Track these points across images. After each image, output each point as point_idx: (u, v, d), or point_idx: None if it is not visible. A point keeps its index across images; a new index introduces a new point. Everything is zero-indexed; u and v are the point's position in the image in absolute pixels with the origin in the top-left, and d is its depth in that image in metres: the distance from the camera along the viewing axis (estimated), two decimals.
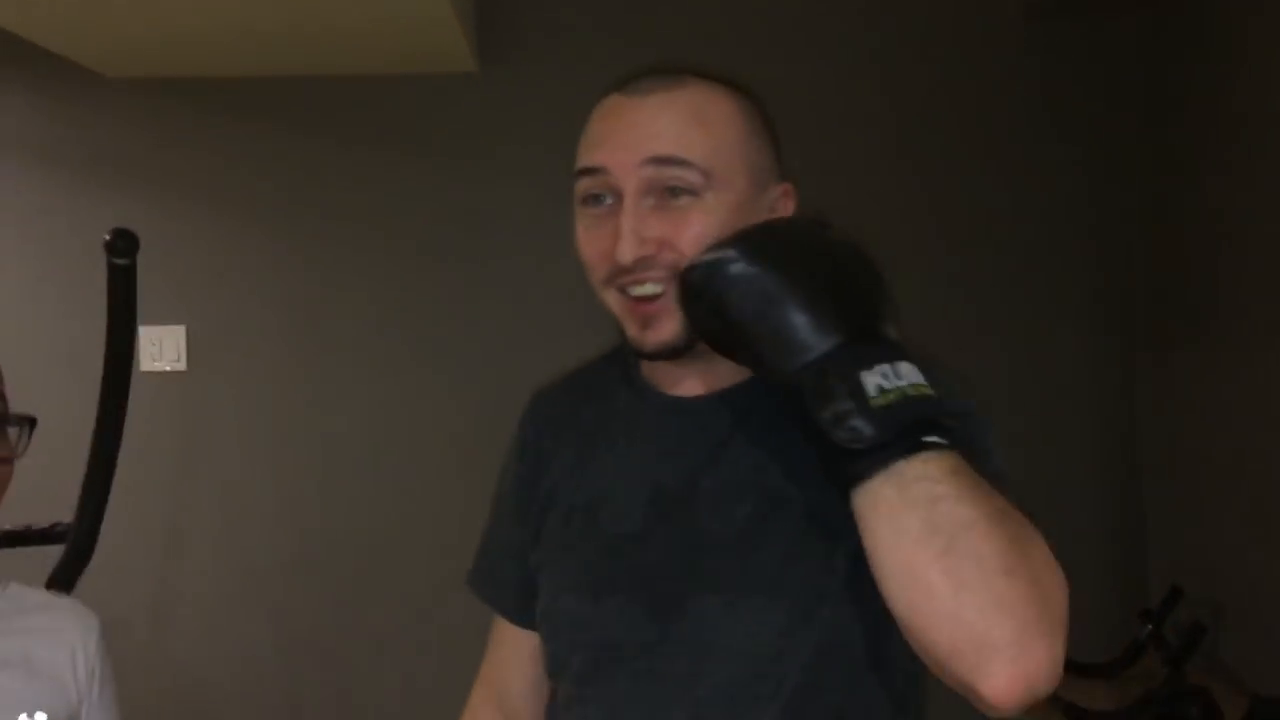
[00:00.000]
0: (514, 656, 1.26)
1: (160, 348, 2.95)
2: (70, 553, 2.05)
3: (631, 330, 1.07)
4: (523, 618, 1.23)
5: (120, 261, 1.93)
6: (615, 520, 1.11)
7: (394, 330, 3.01)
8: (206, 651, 3.00)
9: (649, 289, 1.04)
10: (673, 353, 1.06)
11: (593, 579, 1.10)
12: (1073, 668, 2.62)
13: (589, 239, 1.07)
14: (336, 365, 3.01)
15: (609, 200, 1.05)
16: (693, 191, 1.02)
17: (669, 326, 1.04)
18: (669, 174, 1.02)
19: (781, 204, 1.11)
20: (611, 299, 1.08)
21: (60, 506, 2.16)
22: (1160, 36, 2.88)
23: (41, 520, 2.15)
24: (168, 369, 2.97)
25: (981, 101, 2.98)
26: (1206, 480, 2.68)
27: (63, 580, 2.06)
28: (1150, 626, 2.57)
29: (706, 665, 1.03)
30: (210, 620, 3.00)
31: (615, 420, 1.17)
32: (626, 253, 1.01)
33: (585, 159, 1.07)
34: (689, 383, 1.13)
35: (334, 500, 3.01)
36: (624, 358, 1.19)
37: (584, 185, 1.07)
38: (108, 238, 1.94)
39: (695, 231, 1.02)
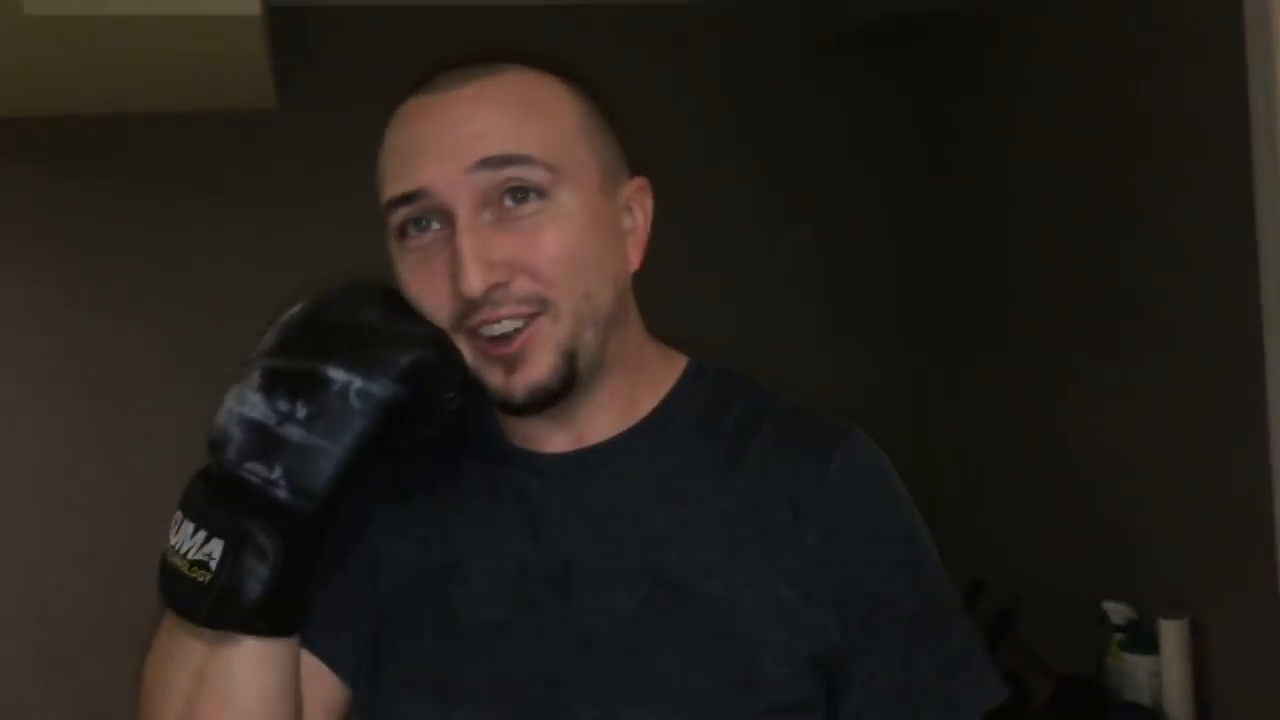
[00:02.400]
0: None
1: None
2: None
3: (494, 380, 0.85)
4: (316, 642, 0.92)
5: None
6: (473, 604, 0.89)
7: (189, 376, 2.86)
8: None
9: (506, 326, 0.83)
10: (549, 398, 0.85)
11: (444, 678, 0.88)
12: None
13: (419, 279, 0.85)
14: (120, 432, 2.84)
15: (435, 225, 0.84)
16: (540, 192, 0.83)
17: (541, 364, 0.84)
18: (507, 176, 0.82)
19: (639, 200, 0.93)
20: (466, 348, 0.85)
21: None
22: (932, 63, 3.13)
23: None
24: None
25: (772, 128, 3.14)
26: (997, 476, 2.90)
27: None
28: None
29: None
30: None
31: (471, 476, 0.94)
32: (473, 283, 0.80)
33: (396, 184, 0.84)
34: (556, 436, 0.92)
35: (139, 563, 2.84)
36: (479, 410, 0.96)
37: (399, 217, 0.85)
38: None
39: (552, 248, 0.83)
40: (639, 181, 0.93)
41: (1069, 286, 2.50)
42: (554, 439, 0.91)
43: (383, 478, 0.94)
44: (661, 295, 3.19)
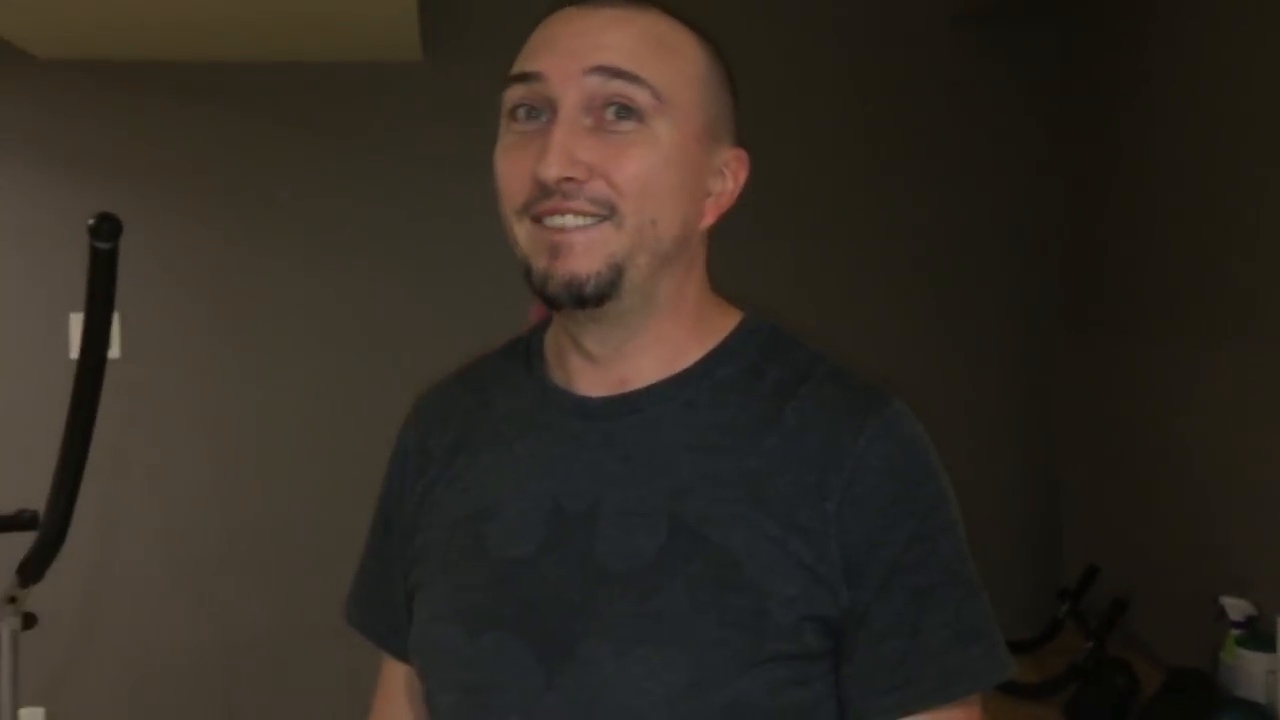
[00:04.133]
0: (402, 693, 1.09)
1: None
2: (41, 541, 2.03)
3: (539, 263, 0.89)
4: (405, 650, 1.04)
5: (104, 245, 1.91)
6: (504, 540, 0.94)
7: (334, 319, 3.00)
8: (141, 643, 2.95)
9: (569, 220, 0.87)
10: (580, 297, 0.88)
11: (472, 608, 0.93)
12: None
13: (509, 159, 0.90)
14: (273, 354, 2.99)
15: (542, 116, 0.89)
16: (640, 116, 0.87)
17: (585, 261, 0.87)
18: (616, 88, 0.87)
19: (733, 169, 0.96)
20: (522, 232, 0.90)
21: (26, 493, 2.12)
22: (1074, 40, 3.07)
23: (7, 508, 2.11)
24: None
25: (907, 104, 3.12)
26: (1120, 462, 2.87)
27: (33, 569, 2.03)
28: (1068, 604, 2.75)
29: None
30: (145, 612, 2.95)
31: (514, 419, 1.00)
32: (550, 167, 0.85)
33: (519, 64, 0.90)
34: (601, 380, 0.95)
35: (270, 491, 2.99)
36: (527, 348, 1.04)
37: (514, 95, 0.90)
38: (92, 221, 1.92)
39: (634, 165, 0.87)
40: (738, 151, 0.96)
41: (1203, 278, 2.45)
42: (600, 381, 0.95)
43: (439, 445, 1.03)
44: (783, 273, 3.24)
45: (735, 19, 3.03)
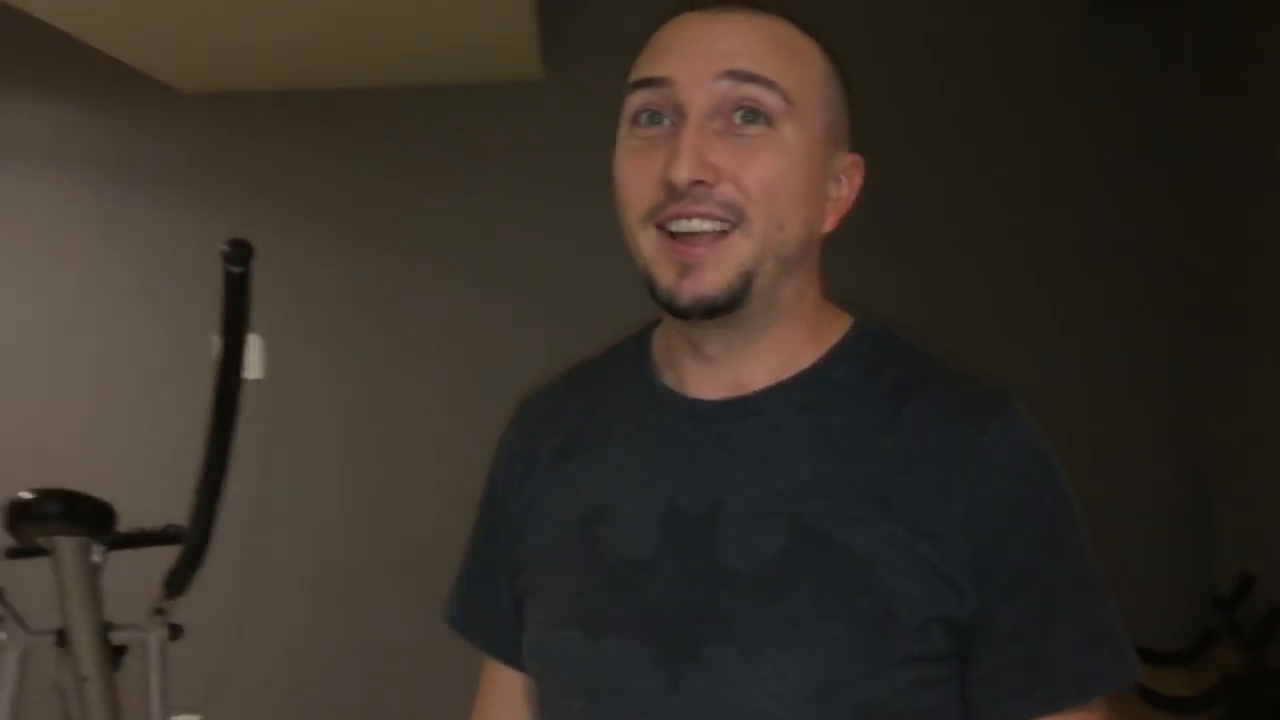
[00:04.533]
0: (505, 696, 1.09)
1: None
2: (185, 554, 2.11)
3: (665, 279, 0.88)
4: (508, 652, 1.05)
5: (236, 270, 1.99)
6: (620, 542, 0.93)
7: (469, 336, 3.06)
8: (288, 650, 3.06)
9: (697, 225, 0.86)
10: (711, 310, 0.87)
11: (592, 612, 0.92)
12: (1149, 657, 2.69)
13: (635, 165, 0.89)
14: (410, 369, 3.07)
15: (668, 121, 0.88)
16: (768, 120, 0.86)
17: (714, 277, 0.86)
18: (747, 92, 0.86)
19: (850, 175, 0.95)
20: (647, 241, 0.89)
21: (170, 509, 2.22)
22: (1218, 26, 2.94)
23: (155, 523, 2.20)
24: (246, 378, 3.02)
25: (1041, 96, 3.03)
26: (1274, 472, 2.73)
27: (178, 581, 2.12)
28: (1223, 614, 2.63)
29: None
30: (291, 621, 3.06)
31: (622, 421, 0.99)
32: (683, 171, 0.83)
33: (644, 69, 0.89)
34: (716, 382, 0.95)
35: (409, 500, 3.06)
36: (636, 350, 1.02)
37: (639, 99, 0.89)
38: (225, 247, 2.00)
39: (764, 168, 0.86)
40: (855, 157, 0.95)
41: None
42: (715, 383, 0.94)
43: (546, 448, 1.02)
44: (917, 266, 3.19)
45: (860, 11, 3.00)
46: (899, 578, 0.85)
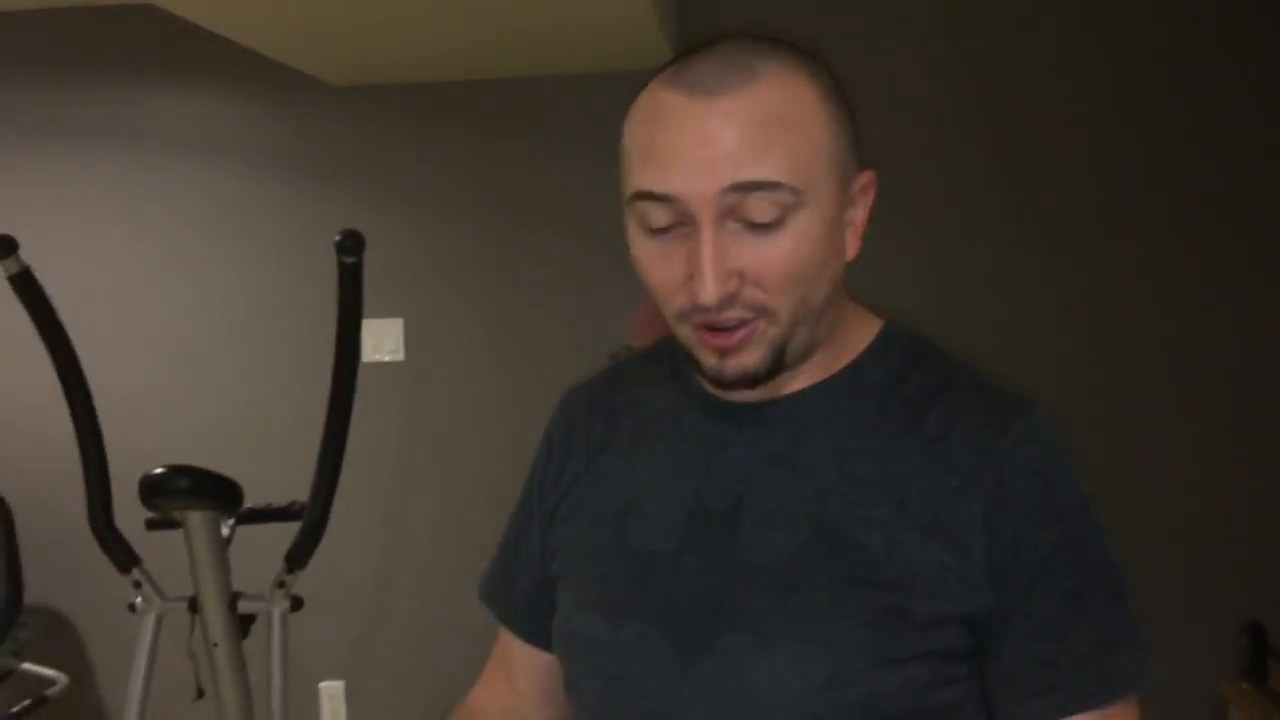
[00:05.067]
0: (514, 670, 1.16)
1: (380, 340, 3.13)
2: (305, 530, 2.22)
3: (707, 361, 0.92)
4: (529, 632, 1.12)
5: (349, 259, 2.07)
6: (646, 535, 0.97)
7: (598, 318, 3.09)
8: (426, 619, 3.17)
9: (730, 323, 0.89)
10: (756, 382, 0.91)
11: (614, 599, 0.96)
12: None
13: (657, 269, 0.91)
14: (541, 351, 3.13)
15: (680, 227, 0.89)
16: (782, 211, 0.86)
17: (753, 355, 0.90)
18: (755, 201, 0.85)
19: (862, 197, 0.95)
20: (683, 332, 0.92)
21: (294, 487, 2.33)
22: None
23: (280, 499, 2.32)
24: (387, 359, 3.14)
25: (1160, 72, 2.87)
26: None
27: (299, 555, 2.23)
28: None
29: (734, 712, 0.89)
30: (428, 591, 3.17)
31: (657, 420, 1.03)
32: (710, 293, 0.85)
33: (648, 179, 0.88)
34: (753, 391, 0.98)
35: None
36: (673, 350, 1.05)
37: (645, 211, 0.90)
38: (338, 238, 2.08)
39: (784, 262, 0.87)
40: (866, 176, 0.94)
41: None
42: (749, 392, 0.96)
43: (585, 440, 1.07)
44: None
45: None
46: (916, 577, 0.87)
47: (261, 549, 2.39)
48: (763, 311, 0.88)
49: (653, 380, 1.07)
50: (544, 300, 3.13)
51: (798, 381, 0.96)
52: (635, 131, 0.92)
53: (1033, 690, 0.88)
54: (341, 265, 2.10)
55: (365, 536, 3.14)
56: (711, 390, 0.98)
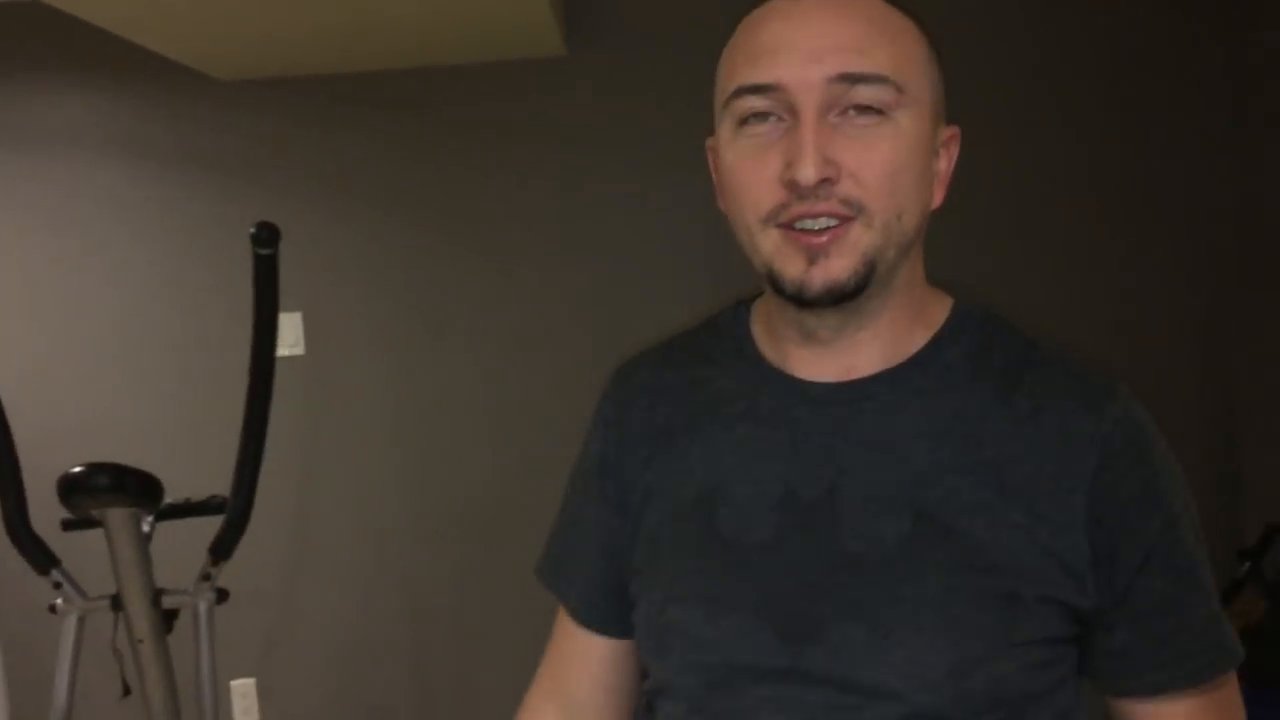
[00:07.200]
0: (580, 658, 1.11)
1: (280, 334, 3.11)
2: (229, 522, 2.22)
3: (793, 269, 0.88)
4: (593, 619, 1.08)
5: (264, 251, 2.07)
6: (738, 524, 0.93)
7: (501, 309, 3.14)
8: (337, 615, 3.18)
9: (822, 223, 0.86)
10: (841, 296, 0.88)
11: (711, 591, 0.93)
12: None
13: (749, 166, 0.88)
14: (444, 343, 3.16)
15: (776, 118, 0.87)
16: (883, 110, 0.86)
17: (842, 262, 0.87)
18: (861, 93, 0.85)
19: (948, 148, 0.95)
20: (768, 241, 0.89)
21: (214, 480, 2.33)
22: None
23: (197, 493, 2.32)
24: (286, 353, 3.13)
25: (1087, 59, 3.04)
26: None
27: (223, 548, 2.23)
28: (1248, 564, 2.65)
29: (851, 701, 0.87)
30: (339, 587, 3.18)
31: (729, 400, 0.99)
32: (809, 171, 0.83)
33: (750, 73, 0.87)
34: (826, 366, 0.95)
35: (452, 474, 3.16)
36: (734, 327, 1.03)
37: (747, 104, 0.87)
38: (252, 230, 2.09)
39: (883, 160, 0.86)
40: (953, 129, 0.95)
41: None
42: (825, 367, 0.94)
43: (649, 420, 1.03)
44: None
45: None
46: (1020, 562, 0.87)
47: (176, 543, 2.38)
48: (859, 209, 0.86)
49: (717, 358, 1.03)
50: (443, 291, 3.16)
51: (876, 359, 0.94)
52: (737, 40, 0.91)
53: (1154, 664, 0.90)
54: (256, 257, 2.10)
55: (271, 533, 3.13)
56: (783, 366, 0.97)
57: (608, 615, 1.06)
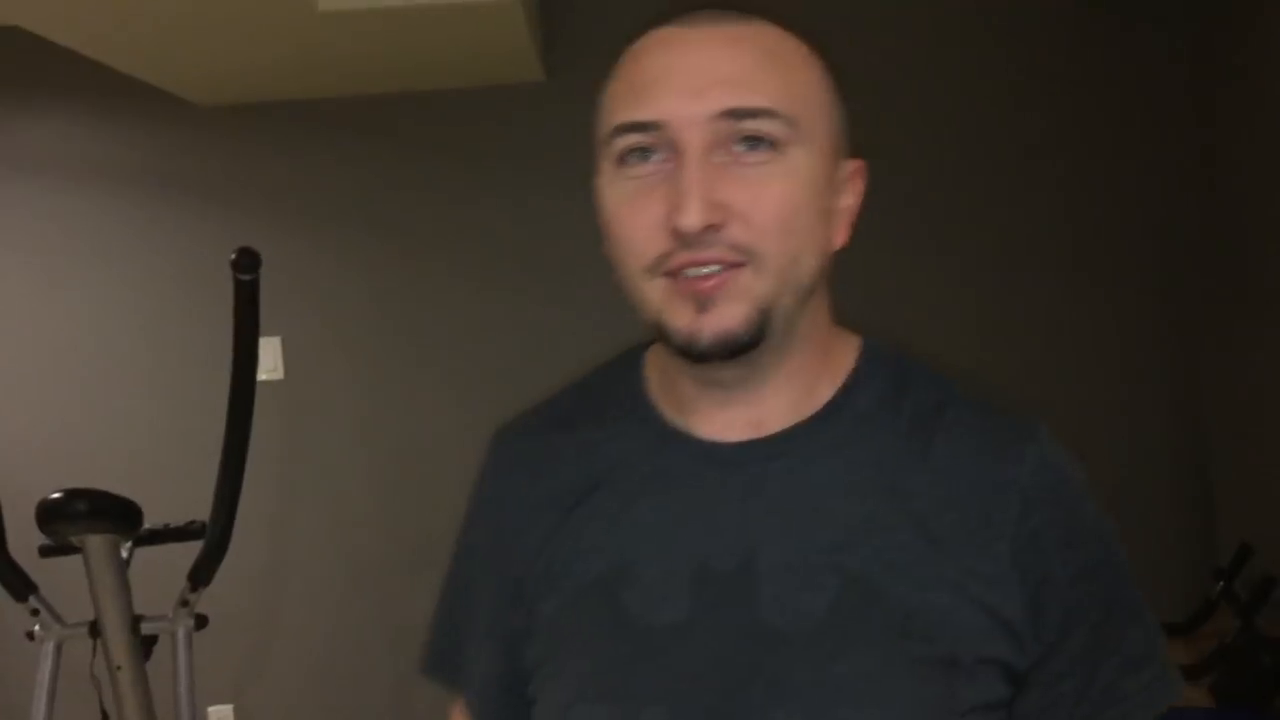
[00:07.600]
0: None
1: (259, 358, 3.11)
2: (208, 547, 2.22)
3: (680, 320, 0.80)
4: (484, 710, 0.98)
5: (245, 277, 2.08)
6: (648, 606, 0.84)
7: (480, 334, 3.15)
8: (315, 640, 3.17)
9: (708, 270, 0.79)
10: (735, 348, 0.80)
11: (621, 687, 0.84)
12: None
13: (633, 210, 0.80)
14: (422, 367, 3.17)
15: (659, 157, 0.80)
16: (774, 145, 0.79)
17: (733, 310, 0.79)
18: (749, 127, 0.78)
19: (852, 184, 0.88)
20: (654, 291, 0.81)
21: (193, 506, 2.33)
22: (1207, 11, 2.98)
23: (174, 518, 2.31)
24: (265, 378, 3.12)
25: (1042, 89, 3.08)
26: (1270, 441, 2.77)
27: (202, 574, 2.23)
28: (1222, 583, 2.68)
29: None
30: (317, 611, 3.17)
31: (627, 467, 0.90)
32: (693, 218, 0.76)
33: (630, 109, 0.80)
34: (732, 422, 0.87)
35: (428, 497, 3.16)
36: (625, 383, 0.94)
37: (628, 141, 0.80)
38: (233, 255, 2.09)
39: (775, 201, 0.79)
40: (857, 163, 0.88)
41: None
42: (730, 423, 0.87)
43: (537, 496, 0.93)
44: (908, 250, 3.23)
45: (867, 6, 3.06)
46: (956, 626, 0.81)
47: (155, 568, 2.37)
48: (749, 254, 0.78)
49: (609, 418, 0.93)
50: (422, 316, 3.17)
51: (784, 412, 0.86)
52: (621, 70, 0.85)
53: (1091, 713, 0.85)
54: (237, 282, 2.11)
55: (248, 559, 3.11)
56: (685, 425, 0.89)
57: (505, 717, 0.96)
